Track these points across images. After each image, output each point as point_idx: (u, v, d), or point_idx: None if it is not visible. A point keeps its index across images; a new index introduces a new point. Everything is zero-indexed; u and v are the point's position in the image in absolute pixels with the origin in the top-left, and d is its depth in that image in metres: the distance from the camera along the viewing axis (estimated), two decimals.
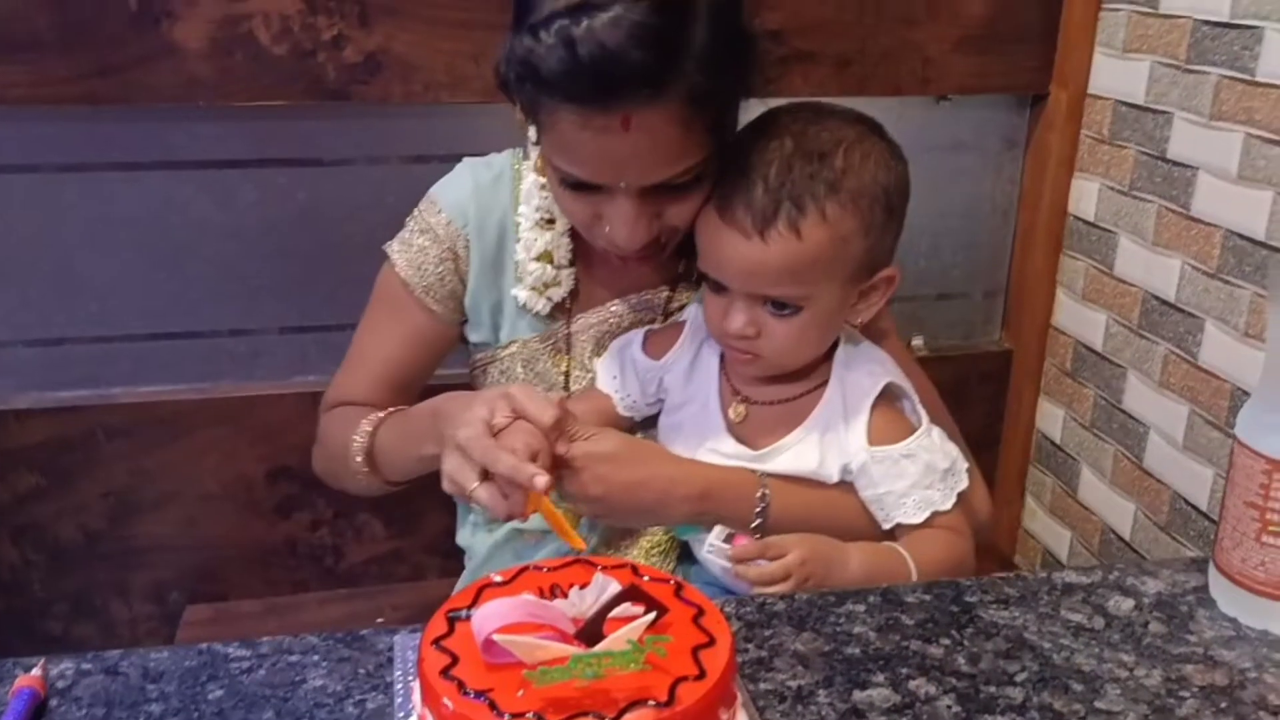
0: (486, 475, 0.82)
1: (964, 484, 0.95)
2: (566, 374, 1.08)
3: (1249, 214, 1.21)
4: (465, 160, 1.09)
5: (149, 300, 1.42)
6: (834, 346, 0.97)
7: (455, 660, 0.58)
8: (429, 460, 0.91)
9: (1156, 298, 1.39)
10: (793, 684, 0.71)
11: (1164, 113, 1.35)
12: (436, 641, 0.61)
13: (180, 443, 1.44)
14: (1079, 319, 1.55)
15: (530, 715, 0.54)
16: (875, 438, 0.93)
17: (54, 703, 0.70)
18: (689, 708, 0.55)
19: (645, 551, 1.05)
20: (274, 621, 1.47)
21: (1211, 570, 0.82)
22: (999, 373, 1.68)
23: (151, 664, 0.73)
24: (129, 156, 1.36)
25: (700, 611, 0.63)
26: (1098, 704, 0.70)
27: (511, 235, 1.06)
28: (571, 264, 1.06)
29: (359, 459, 1.02)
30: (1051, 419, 1.63)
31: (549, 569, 0.68)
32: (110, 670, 0.72)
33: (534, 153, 1.03)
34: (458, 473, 0.83)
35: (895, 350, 1.05)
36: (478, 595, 0.65)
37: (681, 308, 1.07)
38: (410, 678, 0.72)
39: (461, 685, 0.56)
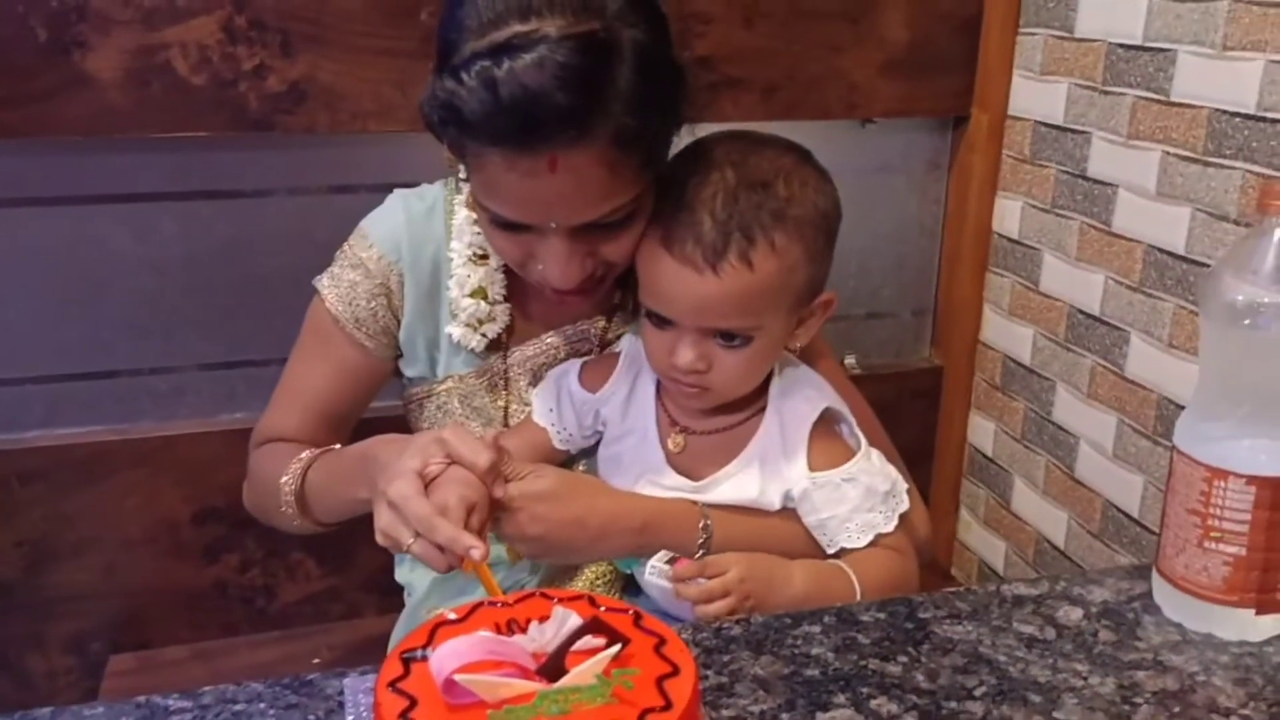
0: None
1: (905, 505, 0.95)
2: (505, 409, 1.07)
3: (1168, 229, 1.25)
4: (396, 191, 1.07)
5: (63, 339, 1.37)
6: (769, 373, 0.97)
7: (414, 703, 0.56)
8: (361, 504, 0.89)
9: (1082, 312, 1.42)
10: (755, 709, 0.70)
11: (1083, 133, 1.39)
12: (393, 684, 0.58)
13: (99, 486, 1.39)
14: (1007, 334, 1.59)
15: None
16: (815, 463, 0.93)
17: None
18: None
19: (590, 583, 1.04)
20: (203, 668, 1.42)
21: (1155, 577, 0.83)
22: (930, 389, 1.71)
23: None
24: (40, 191, 1.32)
25: (662, 640, 0.62)
26: (1056, 714, 0.70)
27: (446, 270, 1.04)
28: (506, 299, 1.04)
29: (289, 499, 0.99)
30: (983, 433, 1.66)
31: (503, 604, 0.66)
32: None
33: (465, 186, 1.01)
34: (391, 529, 0.81)
35: (830, 370, 1.06)
36: (432, 634, 0.63)
37: (618, 337, 1.06)
38: None
39: None
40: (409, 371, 1.08)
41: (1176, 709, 0.71)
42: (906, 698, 0.72)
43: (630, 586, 1.03)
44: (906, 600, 0.83)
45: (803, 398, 0.96)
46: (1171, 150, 1.24)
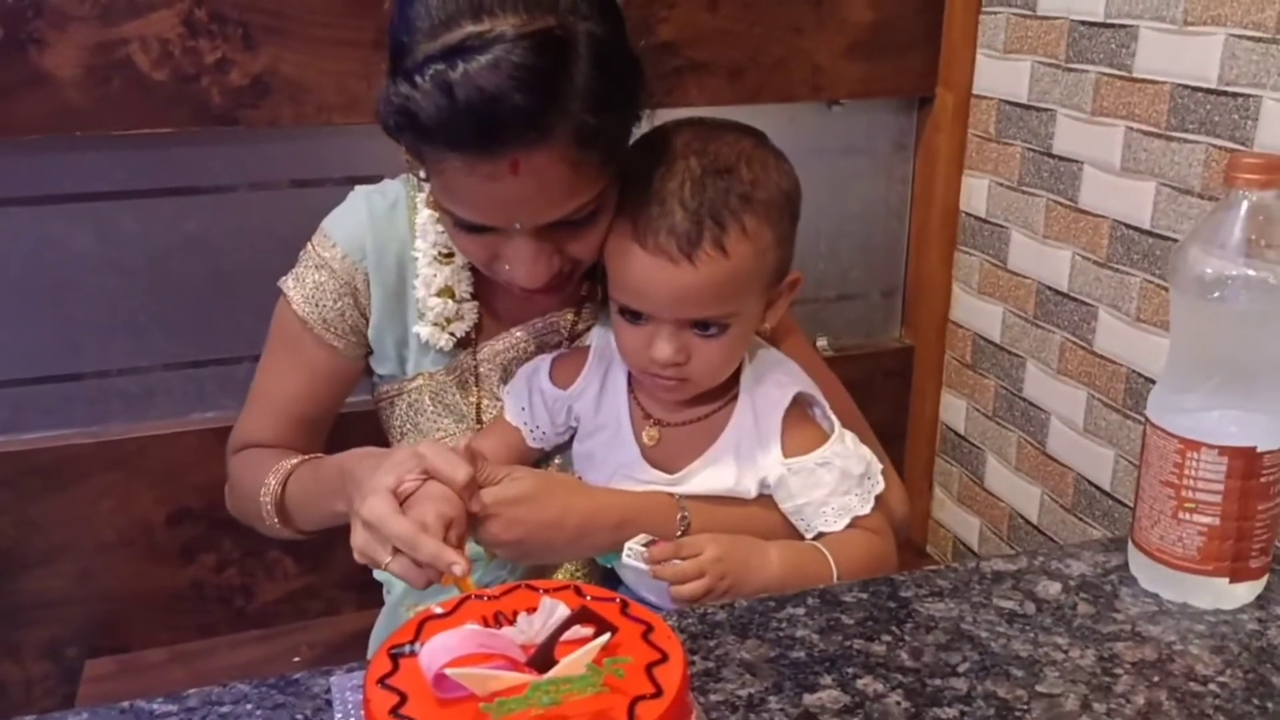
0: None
1: (880, 486, 0.96)
2: (477, 405, 1.06)
3: (1134, 204, 1.27)
4: (358, 189, 1.05)
5: (28, 342, 1.35)
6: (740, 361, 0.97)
7: (404, 698, 0.56)
8: (340, 516, 0.88)
9: (1050, 288, 1.44)
10: (743, 693, 0.71)
11: (1047, 110, 1.40)
12: (382, 680, 0.58)
13: (70, 491, 1.37)
14: (976, 312, 1.60)
15: None
16: (789, 449, 0.93)
17: None
18: None
19: (569, 575, 1.04)
20: (182, 669, 1.41)
21: (1131, 549, 0.85)
22: (901, 369, 1.72)
23: None
24: None
25: (649, 628, 0.62)
26: (1039, 688, 0.71)
27: (411, 269, 1.03)
28: (473, 296, 1.04)
29: (270, 510, 0.99)
30: (955, 411, 1.67)
31: (490, 597, 0.66)
32: None
33: (427, 185, 1.00)
34: (368, 548, 0.80)
35: (800, 347, 1.06)
36: (419, 629, 0.63)
37: (587, 329, 1.06)
38: None
39: None
40: (379, 369, 1.08)
41: (1156, 678, 0.73)
42: (892, 676, 0.72)
43: (609, 578, 1.03)
44: (889, 580, 0.84)
45: (774, 383, 0.96)
46: (1135, 126, 1.26)
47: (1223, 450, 0.76)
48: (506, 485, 0.89)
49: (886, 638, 0.77)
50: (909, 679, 0.72)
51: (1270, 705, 0.70)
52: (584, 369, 1.00)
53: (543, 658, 0.58)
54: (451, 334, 1.03)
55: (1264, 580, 0.81)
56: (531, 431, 1.02)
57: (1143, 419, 0.81)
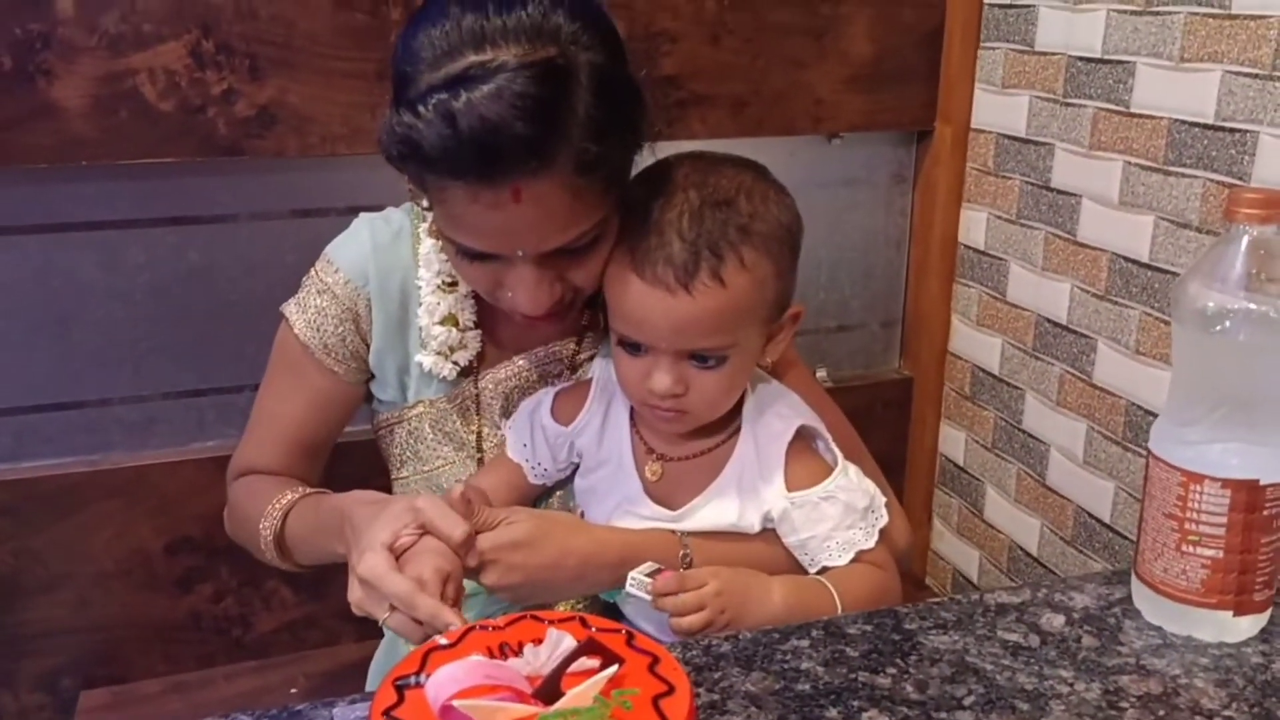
0: None
1: (884, 519, 0.95)
2: (478, 434, 1.06)
3: (1132, 238, 1.28)
4: (362, 216, 1.06)
5: (30, 370, 1.35)
6: (743, 393, 0.96)
7: None
8: (339, 556, 0.88)
9: (1049, 320, 1.44)
10: None
11: (1045, 144, 1.41)
12: (387, 712, 0.58)
13: (70, 519, 1.36)
14: (975, 344, 1.61)
15: None
16: (793, 483, 0.93)
17: None
18: None
19: (569, 606, 1.03)
20: (178, 701, 1.40)
21: (1134, 581, 0.84)
22: (900, 399, 1.72)
23: None
24: (5, 220, 1.30)
25: (655, 660, 0.62)
26: None
27: (414, 297, 1.03)
28: (476, 325, 1.04)
29: (269, 543, 0.99)
30: (954, 442, 1.68)
31: (495, 628, 0.66)
32: None
33: (430, 214, 1.01)
34: (365, 604, 0.81)
35: (802, 380, 1.06)
36: (424, 660, 0.63)
37: (590, 359, 1.06)
38: None
39: None
40: (381, 395, 1.08)
41: (1161, 712, 0.72)
42: (897, 709, 0.72)
43: (610, 609, 1.03)
44: (892, 612, 0.84)
45: (777, 416, 0.95)
46: (1133, 160, 1.27)
47: (1225, 483, 0.77)
48: (503, 530, 0.88)
49: (891, 670, 0.76)
50: (914, 711, 0.72)
51: None
52: (586, 403, 1.00)
53: (549, 689, 0.58)
54: (455, 363, 1.04)
55: (1268, 613, 0.81)
56: (533, 468, 1.02)
57: (1142, 451, 0.81)
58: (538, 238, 0.86)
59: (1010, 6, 1.45)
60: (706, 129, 1.45)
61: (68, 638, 1.40)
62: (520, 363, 1.06)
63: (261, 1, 1.25)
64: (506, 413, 1.06)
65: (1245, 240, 0.75)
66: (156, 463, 1.39)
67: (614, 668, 0.58)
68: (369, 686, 1.13)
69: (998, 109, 1.50)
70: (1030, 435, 1.50)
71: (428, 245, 1.02)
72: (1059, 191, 1.40)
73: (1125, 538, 1.33)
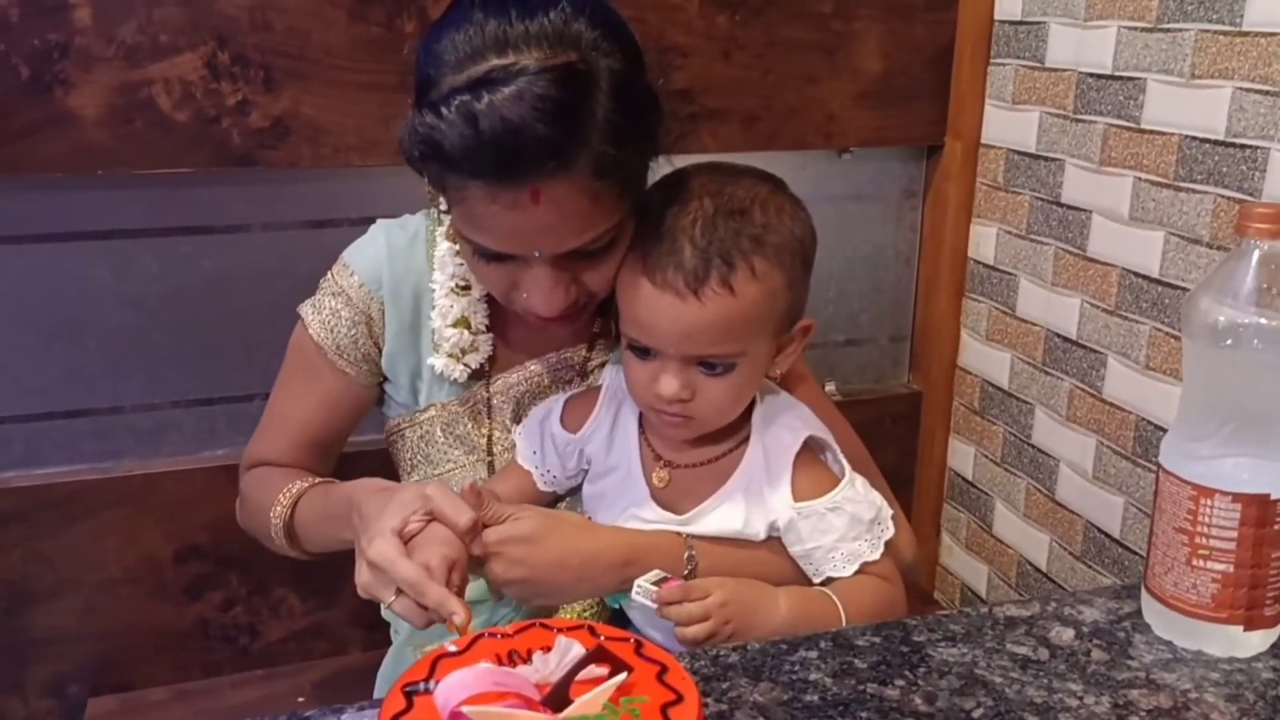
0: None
1: (890, 532, 0.96)
2: (489, 437, 1.07)
3: (1143, 253, 1.27)
4: (379, 222, 1.08)
5: (43, 377, 1.36)
6: (751, 403, 0.97)
7: None
8: (347, 543, 0.89)
9: (1059, 335, 1.44)
10: None
11: (1055, 160, 1.41)
12: (396, 718, 0.58)
13: (79, 526, 1.37)
14: (984, 359, 1.60)
15: None
16: (799, 493, 0.93)
17: None
18: None
19: (577, 615, 1.04)
20: (185, 709, 1.40)
21: (1144, 596, 0.84)
22: (909, 414, 1.72)
23: None
24: (20, 229, 1.31)
25: (664, 668, 0.62)
26: None
27: (428, 301, 1.05)
28: (488, 329, 1.05)
29: (278, 530, 1.01)
30: (963, 457, 1.67)
31: (503, 635, 0.67)
32: None
33: (447, 218, 1.02)
34: (372, 587, 0.82)
35: (812, 393, 1.07)
36: (433, 667, 0.63)
37: (601, 365, 1.07)
38: None
39: None
40: (394, 397, 1.09)
41: None
42: None
43: (618, 617, 1.03)
44: (901, 624, 0.84)
45: (785, 426, 0.96)
46: (1143, 176, 1.27)
47: (1236, 497, 0.76)
48: (510, 525, 0.89)
49: (900, 682, 0.76)
50: None
51: None
52: (595, 410, 1.00)
53: (558, 696, 0.58)
54: (466, 365, 1.05)
55: (1279, 628, 0.81)
56: (543, 475, 1.02)
57: (1152, 467, 0.81)
58: (555, 239, 0.87)
59: (1021, 23, 1.46)
60: (718, 143, 1.46)
61: (76, 644, 1.41)
62: (532, 367, 1.06)
63: (277, 14, 1.27)
64: (518, 417, 1.06)
65: (1256, 255, 0.75)
66: (167, 470, 1.40)
67: (622, 675, 0.58)
68: (377, 694, 1.14)
69: (1008, 125, 1.50)
70: (1040, 450, 1.50)
71: (443, 249, 1.03)
72: (1069, 207, 1.40)
73: (1135, 553, 1.33)
